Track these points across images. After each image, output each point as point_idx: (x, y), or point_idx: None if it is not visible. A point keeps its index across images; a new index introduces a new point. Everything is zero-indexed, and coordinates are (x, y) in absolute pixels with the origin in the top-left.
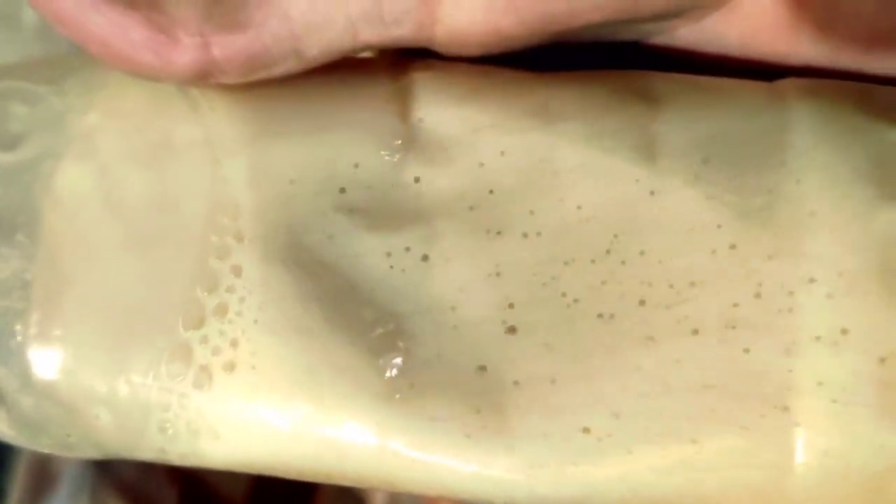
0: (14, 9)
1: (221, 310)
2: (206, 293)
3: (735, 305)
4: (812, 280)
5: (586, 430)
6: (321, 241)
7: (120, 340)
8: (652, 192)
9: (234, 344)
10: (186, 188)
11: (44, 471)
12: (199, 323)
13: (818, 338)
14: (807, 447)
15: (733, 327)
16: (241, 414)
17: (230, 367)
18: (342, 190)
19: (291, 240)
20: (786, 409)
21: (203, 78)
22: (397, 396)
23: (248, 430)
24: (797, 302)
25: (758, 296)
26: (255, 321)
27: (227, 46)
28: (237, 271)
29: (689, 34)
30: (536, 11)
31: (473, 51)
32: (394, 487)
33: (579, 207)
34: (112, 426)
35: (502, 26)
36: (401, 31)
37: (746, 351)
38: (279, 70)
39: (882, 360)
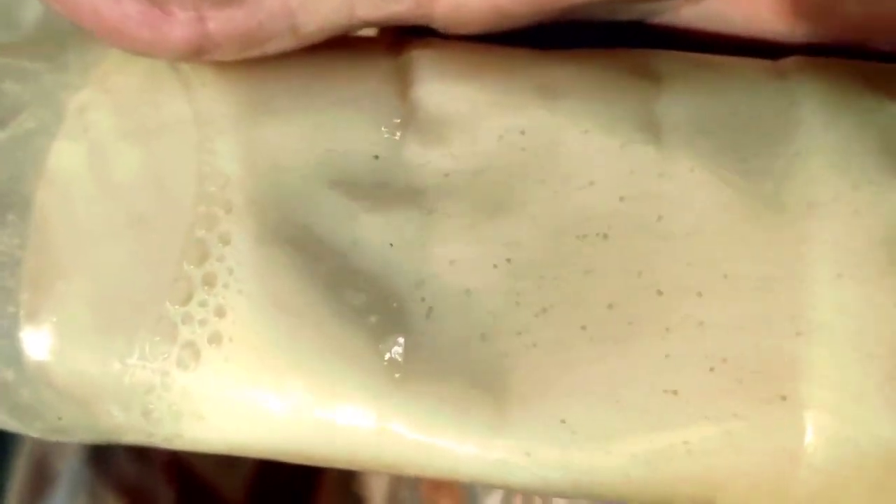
0: (11, 7)
1: (210, 280)
2: (193, 266)
3: (742, 289)
4: (822, 264)
5: (589, 414)
6: (318, 220)
7: (110, 320)
8: (657, 172)
9: (220, 314)
10: (176, 166)
11: (42, 469)
12: (187, 297)
13: (827, 322)
14: (816, 433)
15: (739, 311)
16: (228, 394)
17: (216, 339)
18: (340, 169)
19: (286, 218)
20: (794, 394)
21: (198, 54)
22: (397, 376)
23: (237, 412)
24: (807, 286)
25: (766, 279)
26: (244, 293)
27: (223, 21)
28: (225, 239)
29: (693, 13)
30: None
31: (473, 28)
32: (392, 470)
33: (583, 186)
34: (101, 409)
35: (503, 2)
36: (399, 7)
37: (754, 334)
38: (275, 47)
39: (893, 346)
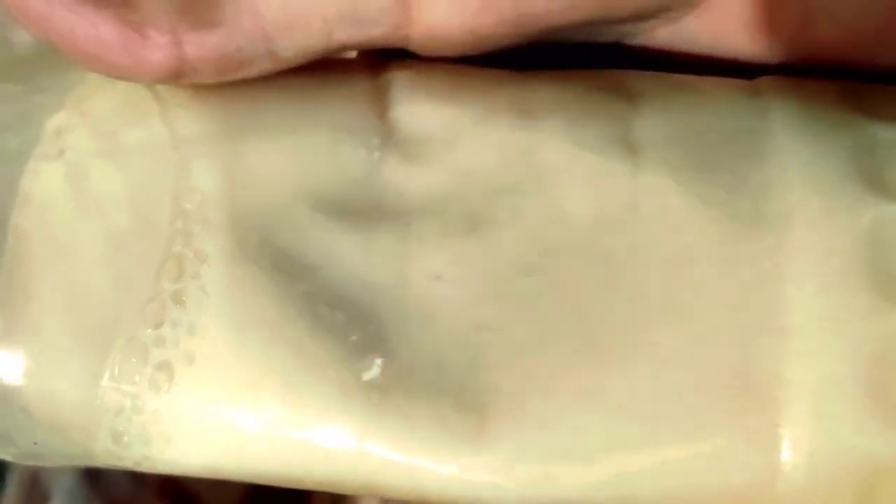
0: (4, 30)
1: (184, 299)
2: (167, 285)
3: (720, 306)
4: (799, 280)
5: (570, 431)
6: (296, 240)
7: (83, 341)
8: (634, 190)
9: (193, 333)
10: (153, 187)
11: (35, 487)
12: (160, 317)
13: (805, 338)
14: (793, 449)
15: (717, 328)
16: (201, 415)
17: (189, 359)
18: (319, 189)
19: (263, 238)
20: (771, 410)
21: (176, 77)
22: (376, 395)
23: (209, 433)
24: (784, 302)
25: (743, 296)
26: (219, 312)
27: (200, 45)
28: (201, 258)
29: (668, 35)
30: (514, 10)
31: (451, 51)
32: (371, 492)
33: (564, 205)
34: (72, 433)
35: (479, 26)
36: (377, 32)
37: (732, 352)
38: (254, 70)
39: (870, 360)
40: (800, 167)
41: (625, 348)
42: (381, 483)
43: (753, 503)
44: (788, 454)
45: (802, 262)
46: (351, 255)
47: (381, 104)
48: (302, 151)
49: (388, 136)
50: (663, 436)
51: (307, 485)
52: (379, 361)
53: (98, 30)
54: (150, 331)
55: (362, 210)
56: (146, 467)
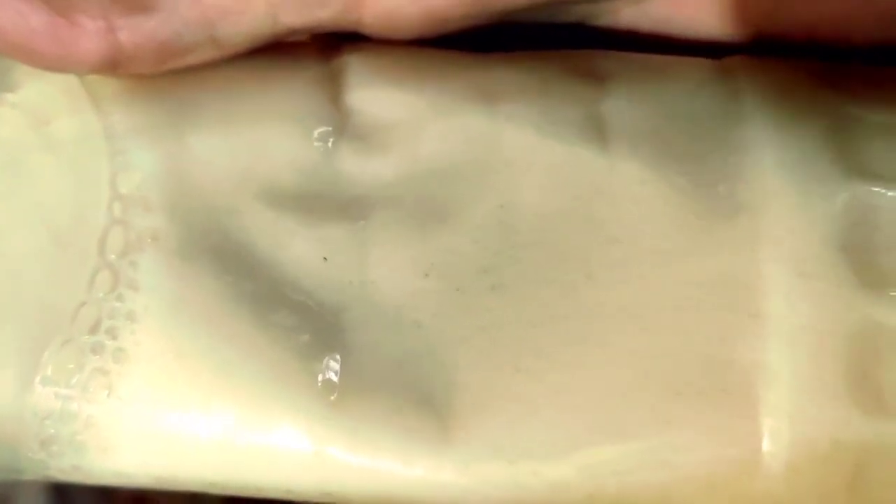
0: None
1: (121, 296)
2: (104, 283)
3: (694, 294)
4: (775, 263)
5: (537, 429)
6: (244, 233)
7: (18, 343)
8: (603, 175)
9: (133, 332)
10: (89, 181)
11: None
12: (97, 316)
13: (782, 323)
14: (772, 440)
15: (693, 317)
16: (144, 419)
17: (128, 359)
18: (266, 180)
19: (208, 231)
20: (750, 399)
21: (112, 67)
22: (333, 398)
23: (154, 440)
24: (760, 287)
25: (719, 282)
26: (160, 309)
27: (135, 31)
28: (140, 253)
29: (634, 15)
30: None
31: (406, 33)
32: (332, 498)
33: (525, 192)
34: (5, 442)
35: (435, 5)
36: (326, 13)
37: (708, 340)
38: (195, 58)
39: (847, 344)
40: (772, 150)
41: (593, 342)
42: (342, 488)
43: (734, 496)
44: (768, 445)
45: (777, 247)
46: (304, 250)
47: (334, 89)
48: (248, 142)
49: (341, 124)
50: (633, 428)
51: (263, 493)
52: (337, 359)
53: (25, 18)
54: (87, 334)
55: (315, 201)
56: (79, 478)
